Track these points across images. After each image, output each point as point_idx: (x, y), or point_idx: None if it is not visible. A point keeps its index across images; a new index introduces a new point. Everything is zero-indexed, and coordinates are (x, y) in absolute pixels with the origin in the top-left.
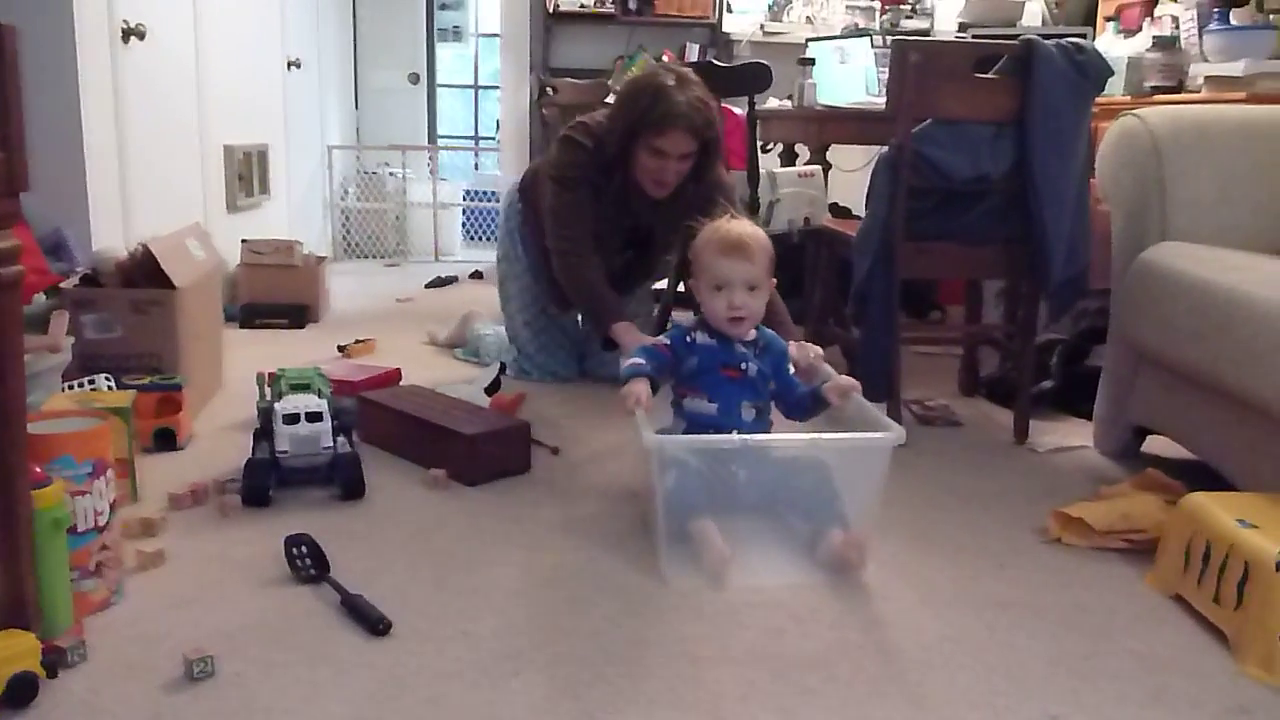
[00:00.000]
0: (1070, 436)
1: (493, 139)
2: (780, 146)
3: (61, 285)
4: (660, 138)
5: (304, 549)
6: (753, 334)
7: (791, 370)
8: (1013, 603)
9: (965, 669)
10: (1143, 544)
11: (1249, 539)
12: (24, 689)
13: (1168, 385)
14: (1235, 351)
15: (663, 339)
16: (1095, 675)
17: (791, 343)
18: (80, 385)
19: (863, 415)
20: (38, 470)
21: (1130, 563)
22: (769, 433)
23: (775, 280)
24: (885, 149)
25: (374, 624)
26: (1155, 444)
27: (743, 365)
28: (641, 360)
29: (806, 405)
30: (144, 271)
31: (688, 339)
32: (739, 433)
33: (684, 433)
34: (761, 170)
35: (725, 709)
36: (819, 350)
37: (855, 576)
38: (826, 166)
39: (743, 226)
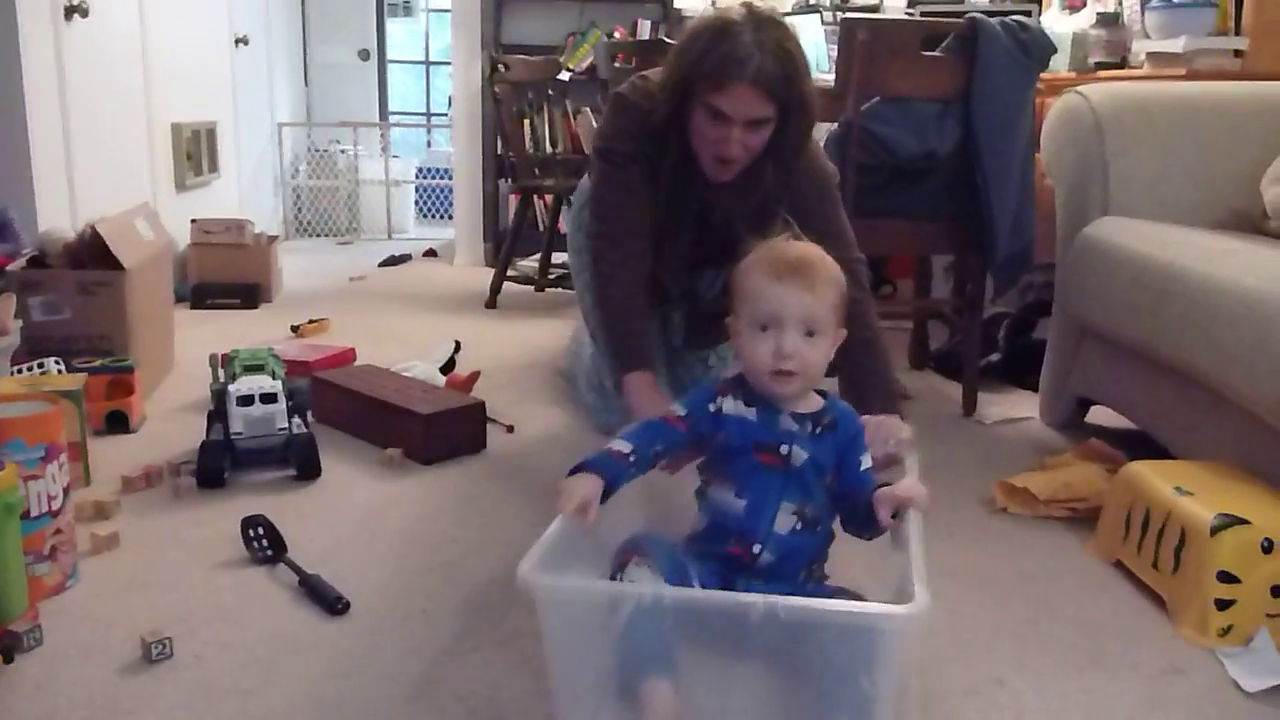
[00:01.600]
0: (1016, 408)
1: (445, 115)
2: None
3: (8, 268)
4: (718, 94)
5: (260, 530)
6: (815, 402)
7: (865, 464)
8: (958, 571)
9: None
10: (1085, 512)
11: (1185, 506)
12: None
13: (1109, 357)
14: (1173, 325)
15: (677, 408)
16: (1038, 640)
17: (870, 418)
18: (29, 369)
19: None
20: None
21: (1073, 530)
22: (817, 553)
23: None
24: (835, 126)
25: (332, 603)
26: (1098, 415)
27: (783, 449)
28: (623, 446)
29: (863, 518)
30: (92, 252)
31: (712, 407)
32: (763, 550)
33: (702, 532)
34: None
35: None
36: (905, 431)
37: None
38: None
39: (807, 247)
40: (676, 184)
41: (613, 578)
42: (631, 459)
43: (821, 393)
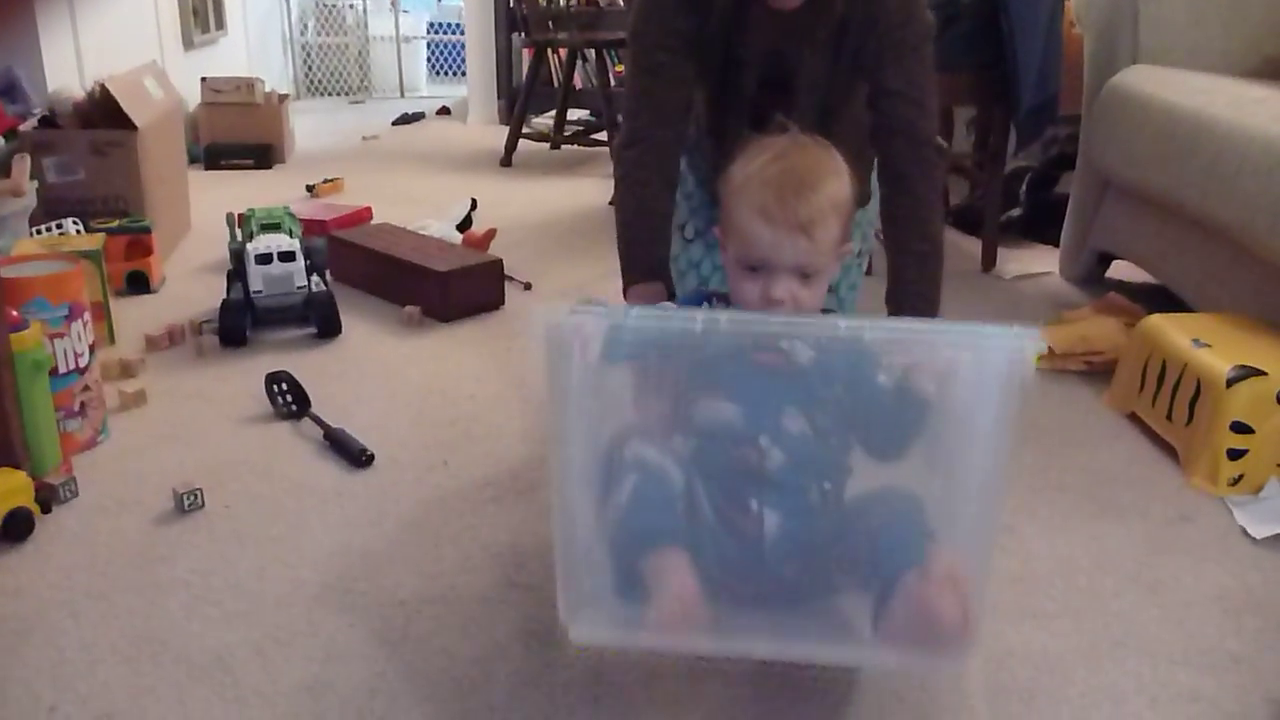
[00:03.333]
0: (1036, 263)
1: None
2: None
3: (20, 128)
4: None
5: (284, 385)
6: (816, 309)
7: (882, 380)
8: None
9: None
10: (1101, 365)
11: (1202, 358)
12: (20, 524)
13: (1132, 211)
14: (1199, 175)
15: (669, 307)
16: (1048, 489)
17: None
18: (48, 229)
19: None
20: (14, 314)
21: (1089, 384)
22: (831, 473)
23: (849, 244)
24: None
25: (356, 456)
26: (1119, 269)
27: (785, 344)
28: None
29: (889, 418)
30: (103, 112)
31: (706, 305)
32: (773, 446)
33: (697, 459)
34: None
35: None
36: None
37: (944, 649)
38: None
39: (808, 168)
40: (730, 40)
41: (611, 463)
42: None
43: (826, 309)
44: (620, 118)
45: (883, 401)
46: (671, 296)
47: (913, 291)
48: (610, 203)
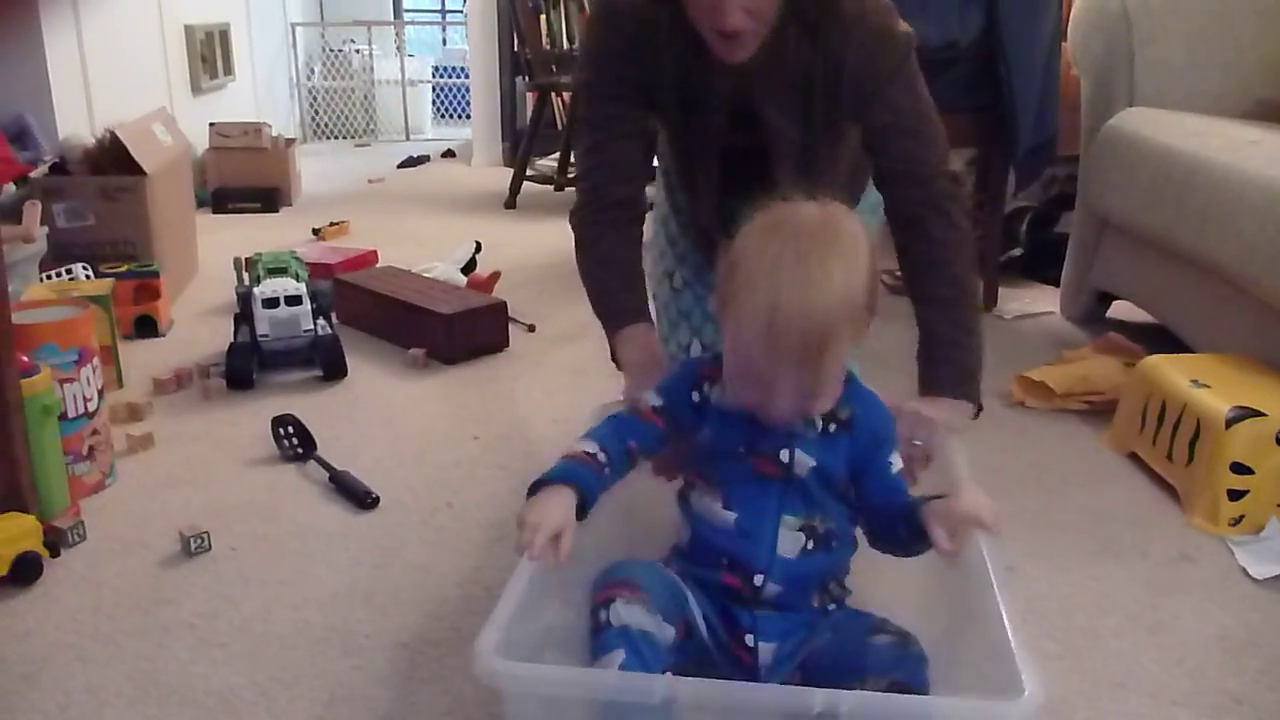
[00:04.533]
0: (1037, 303)
1: (460, 12)
2: None
3: (30, 175)
4: None
5: (290, 428)
6: (829, 405)
7: (896, 465)
8: (973, 462)
9: None
10: (1101, 405)
11: (1201, 398)
12: (29, 567)
13: (1131, 251)
14: (1195, 216)
15: (652, 397)
16: (1050, 528)
17: (911, 405)
18: (58, 275)
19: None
20: (24, 359)
21: (1089, 423)
22: (834, 572)
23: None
24: None
25: (361, 498)
26: (1119, 309)
27: (783, 455)
28: (589, 447)
29: (899, 534)
30: (112, 158)
31: (696, 395)
32: (767, 581)
33: (688, 546)
34: None
35: None
36: (942, 422)
37: None
38: None
39: (810, 258)
40: (686, 83)
41: (595, 619)
42: (602, 460)
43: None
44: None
45: (894, 508)
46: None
47: (944, 343)
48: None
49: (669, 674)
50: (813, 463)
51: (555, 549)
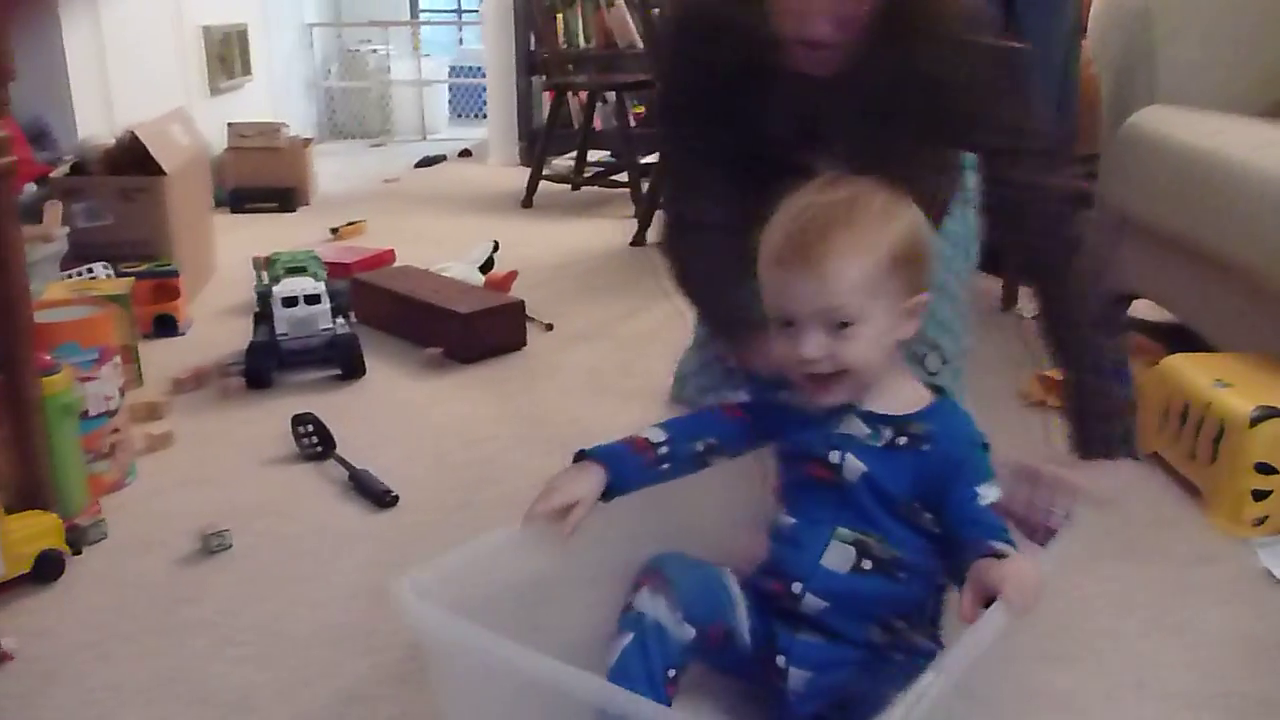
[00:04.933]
0: None
1: (475, 12)
2: None
3: (50, 175)
4: None
5: (309, 427)
6: (913, 399)
7: (986, 497)
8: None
9: None
10: None
11: (1224, 398)
12: (51, 565)
13: (1151, 250)
14: (1216, 215)
15: (741, 395)
16: (1070, 529)
17: (1051, 471)
18: (78, 274)
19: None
20: (45, 358)
21: None
22: (901, 607)
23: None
24: None
25: (380, 497)
26: (1139, 308)
27: (833, 457)
28: (655, 435)
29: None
30: (131, 158)
31: (781, 394)
32: (805, 591)
33: (762, 567)
34: None
35: None
36: (1088, 489)
37: None
38: None
39: (833, 198)
40: (770, 98)
41: (625, 603)
42: (662, 453)
43: (937, 388)
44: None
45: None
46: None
47: (1088, 393)
48: (632, 242)
49: (669, 671)
50: (863, 469)
51: (560, 521)
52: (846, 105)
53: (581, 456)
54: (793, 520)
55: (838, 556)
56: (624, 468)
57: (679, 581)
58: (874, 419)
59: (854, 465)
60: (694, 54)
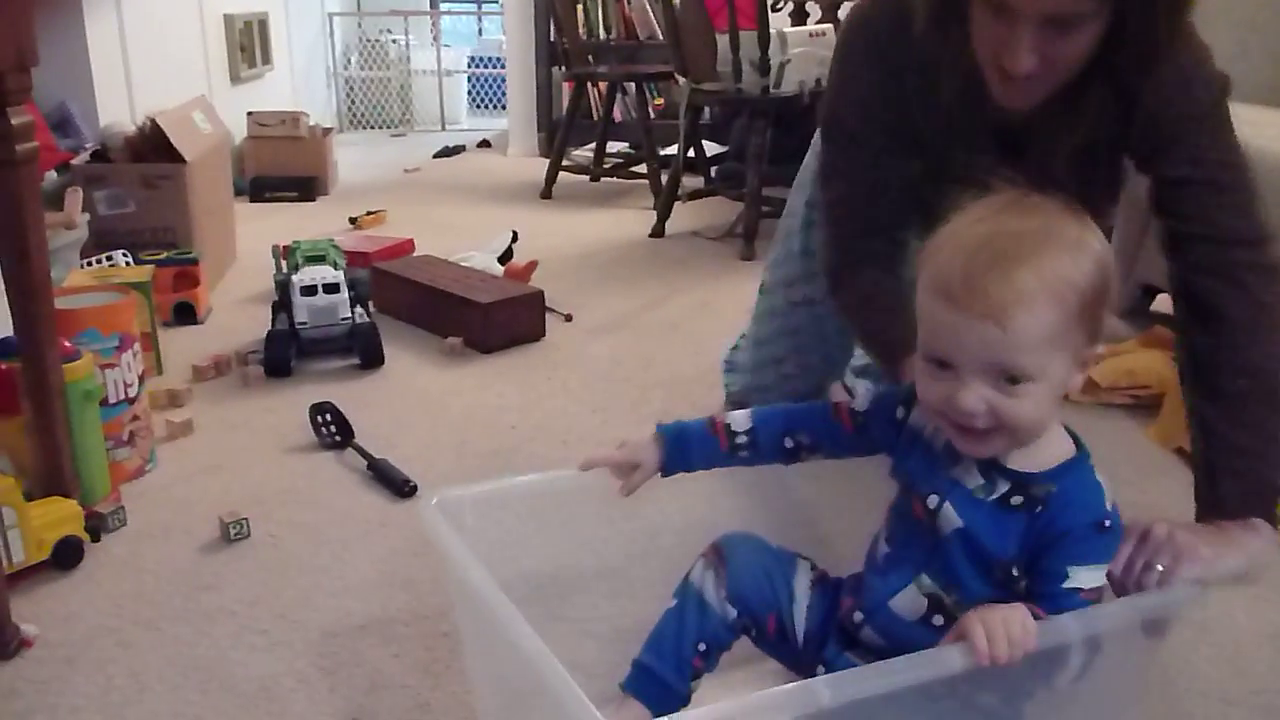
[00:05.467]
0: None
1: (496, 2)
2: (790, 5)
3: (71, 162)
4: None
5: (328, 416)
6: (1045, 457)
7: (1075, 581)
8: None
9: None
10: (1147, 399)
11: None
12: (71, 552)
13: None
14: None
15: (860, 401)
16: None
17: (1162, 530)
18: (99, 261)
19: None
20: (66, 344)
21: (1134, 417)
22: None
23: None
24: None
25: (399, 486)
26: (1164, 301)
27: (931, 501)
28: (738, 423)
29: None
30: (152, 146)
31: (899, 412)
32: (865, 623)
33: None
34: (771, 30)
35: None
36: (1204, 557)
37: None
38: (838, 25)
39: (1018, 225)
40: (959, 119)
41: (684, 577)
42: (740, 441)
43: (1078, 441)
44: (821, 240)
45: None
46: None
47: (1230, 450)
48: (651, 234)
49: (700, 644)
50: (959, 524)
51: (624, 476)
52: (1051, 136)
53: (658, 428)
54: (887, 549)
55: (909, 603)
56: (685, 448)
57: (734, 561)
58: (994, 470)
59: (950, 517)
60: (878, 79)
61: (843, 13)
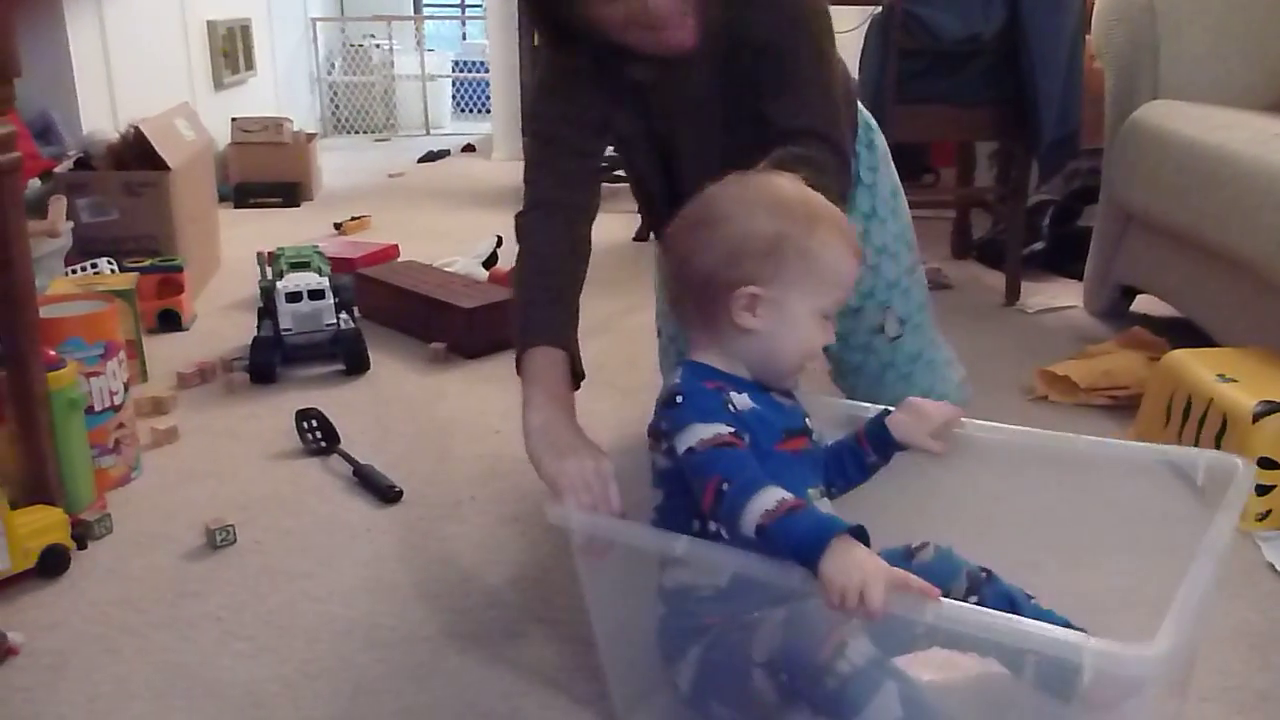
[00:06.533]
0: (1060, 297)
1: (479, 7)
2: None
3: (54, 170)
4: None
5: (314, 422)
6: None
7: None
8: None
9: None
10: (1125, 400)
11: (1227, 393)
12: (56, 560)
13: (1155, 244)
14: (1221, 210)
15: (723, 429)
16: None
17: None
18: (83, 269)
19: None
20: (51, 353)
21: (1113, 418)
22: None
23: None
24: (878, 10)
25: (385, 492)
26: (1142, 303)
27: (807, 423)
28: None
29: (842, 463)
30: (136, 153)
31: (731, 408)
32: None
33: None
34: None
35: None
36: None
37: None
38: None
39: (809, 192)
40: (601, 77)
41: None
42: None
43: None
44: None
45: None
46: (576, 376)
47: None
48: (635, 238)
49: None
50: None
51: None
52: (704, 80)
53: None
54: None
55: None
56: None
57: None
58: (787, 393)
59: (817, 426)
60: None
61: None
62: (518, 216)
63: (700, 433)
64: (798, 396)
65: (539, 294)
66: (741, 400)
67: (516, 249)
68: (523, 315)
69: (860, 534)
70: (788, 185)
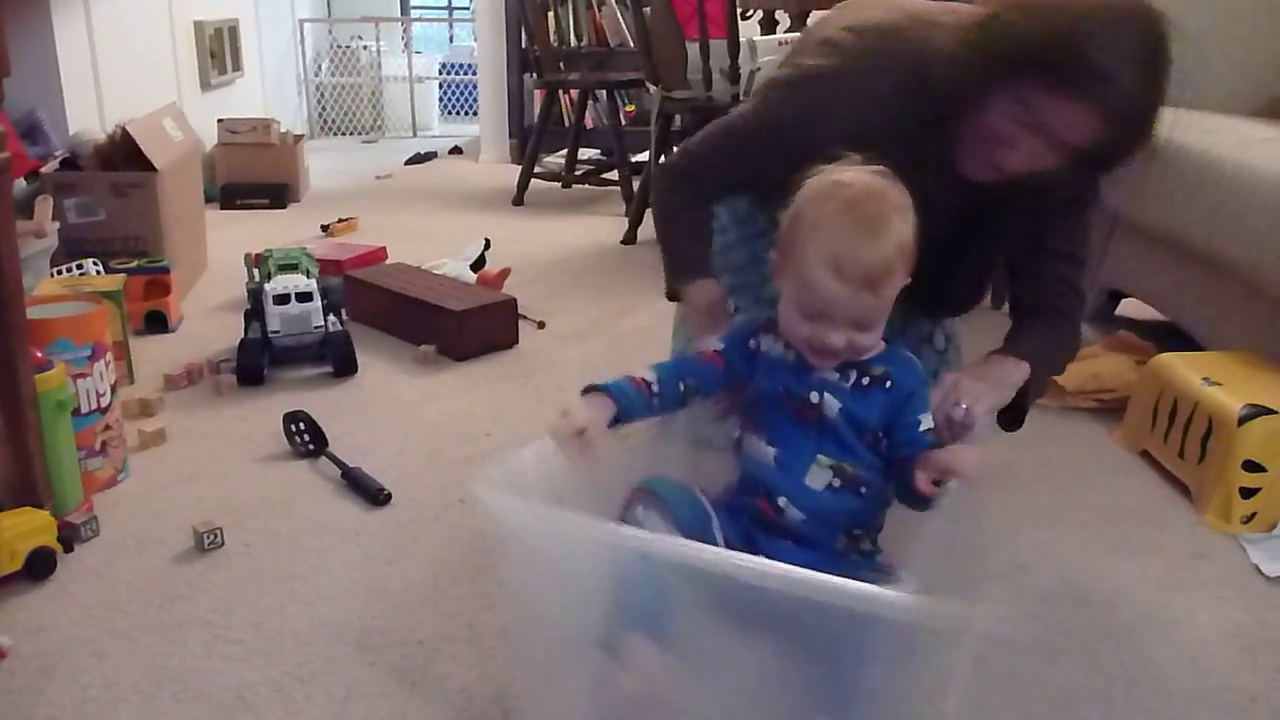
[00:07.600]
0: None
1: (467, 9)
2: (759, 13)
3: (41, 170)
4: (1051, 97)
5: (302, 425)
6: (873, 349)
7: (925, 424)
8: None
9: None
10: (1112, 403)
11: (1214, 396)
12: (43, 563)
13: (1141, 249)
14: (1206, 214)
15: (715, 343)
16: (1062, 526)
17: (955, 375)
18: (69, 270)
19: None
20: (38, 354)
21: (1100, 421)
22: (861, 520)
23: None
24: None
25: (374, 494)
26: (1128, 306)
27: (814, 398)
28: (647, 375)
29: (906, 485)
30: (123, 154)
31: (752, 343)
32: (790, 505)
33: (738, 482)
34: (741, 38)
35: None
36: (979, 397)
37: None
38: None
39: (874, 208)
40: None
41: (619, 520)
42: (654, 390)
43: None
44: (684, 146)
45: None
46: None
47: (1034, 336)
48: (623, 240)
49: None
50: (839, 405)
51: (581, 443)
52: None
53: (590, 389)
54: (774, 449)
55: (817, 477)
56: (628, 401)
57: (669, 498)
58: (843, 365)
59: (832, 403)
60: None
61: (812, 20)
62: (668, 169)
63: (711, 343)
64: (838, 373)
65: (685, 226)
66: (771, 344)
67: (657, 195)
68: (673, 251)
69: (615, 400)
70: (853, 182)
